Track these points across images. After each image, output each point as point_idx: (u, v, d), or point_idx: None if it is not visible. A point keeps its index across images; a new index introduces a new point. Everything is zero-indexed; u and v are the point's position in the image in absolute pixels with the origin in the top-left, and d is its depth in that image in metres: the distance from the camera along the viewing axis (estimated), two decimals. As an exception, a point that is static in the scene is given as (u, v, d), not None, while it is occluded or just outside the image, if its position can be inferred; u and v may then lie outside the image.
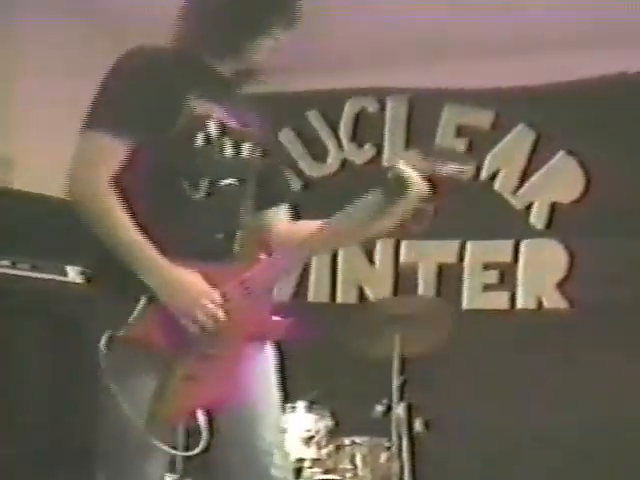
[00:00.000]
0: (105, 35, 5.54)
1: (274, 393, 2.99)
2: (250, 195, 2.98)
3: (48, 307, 4.40)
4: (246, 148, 2.92)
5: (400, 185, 2.90)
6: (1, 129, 5.04)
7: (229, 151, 2.88)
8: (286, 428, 3.28)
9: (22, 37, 5.26)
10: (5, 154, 4.99)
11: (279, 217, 3.08)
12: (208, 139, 2.83)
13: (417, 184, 2.91)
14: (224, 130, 2.87)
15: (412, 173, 2.90)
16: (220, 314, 2.73)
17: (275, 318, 2.86)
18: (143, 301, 2.72)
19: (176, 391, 2.77)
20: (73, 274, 4.58)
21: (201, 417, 2.80)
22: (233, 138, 2.89)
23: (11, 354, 4.27)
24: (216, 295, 2.74)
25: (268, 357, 2.98)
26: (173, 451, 2.84)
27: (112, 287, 2.83)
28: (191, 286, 2.74)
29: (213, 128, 2.84)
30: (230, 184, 2.88)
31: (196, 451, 2.80)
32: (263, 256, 2.85)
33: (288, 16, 2.91)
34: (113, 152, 2.76)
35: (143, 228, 2.72)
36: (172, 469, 4.41)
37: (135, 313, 2.72)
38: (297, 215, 3.24)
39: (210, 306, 2.72)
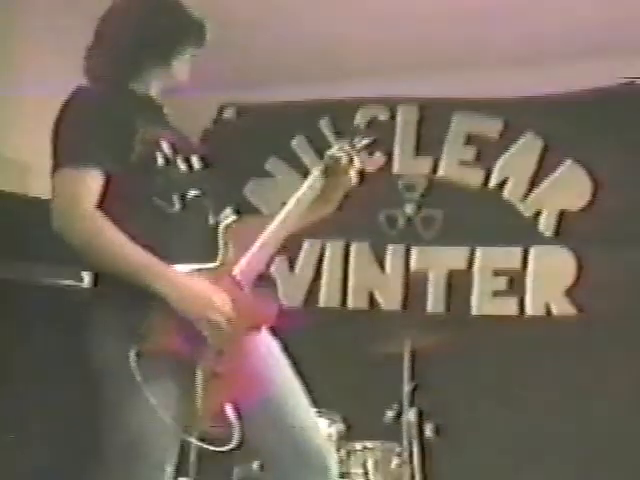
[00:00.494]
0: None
1: (290, 373, 3.11)
2: (212, 202, 3.10)
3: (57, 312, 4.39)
4: (195, 161, 3.09)
5: (336, 170, 3.19)
6: (17, 134, 5.07)
7: (183, 166, 3.03)
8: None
9: (33, 40, 5.30)
10: (21, 159, 5.01)
11: (231, 217, 3.18)
12: (166, 158, 2.98)
13: (349, 169, 3.21)
14: (174, 148, 3.02)
15: (344, 159, 3.21)
16: (231, 311, 2.84)
17: (267, 305, 3.02)
18: (155, 311, 2.79)
19: (205, 390, 2.85)
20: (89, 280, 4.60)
21: (230, 412, 2.88)
22: (182, 154, 3.04)
23: (19, 357, 4.28)
24: (224, 294, 2.85)
25: (271, 342, 3.10)
26: (212, 447, 2.89)
27: (117, 293, 2.89)
28: (201, 289, 2.84)
29: (166, 148, 2.99)
30: (196, 195, 3.01)
31: (232, 445, 2.87)
32: (241, 253, 3.00)
33: (197, 36, 3.14)
34: (88, 183, 2.86)
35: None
36: (184, 472, 4.41)
37: (148, 323, 2.79)
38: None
39: (221, 306, 2.83)
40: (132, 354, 2.76)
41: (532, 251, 5.65)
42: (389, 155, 6.05)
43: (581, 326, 5.41)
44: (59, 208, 2.86)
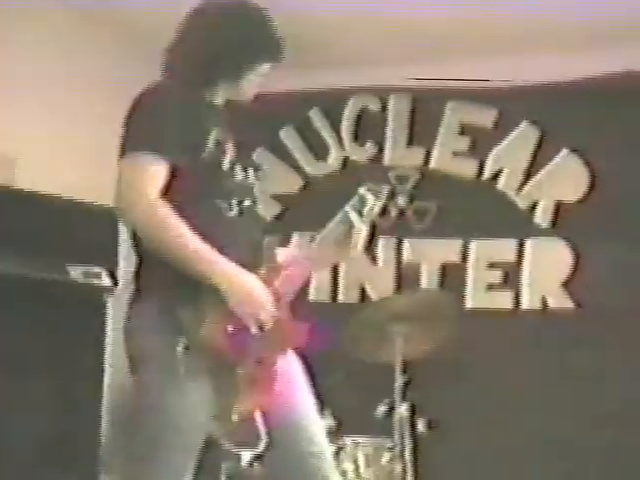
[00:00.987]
0: (103, 38, 5.56)
1: (311, 399, 3.18)
2: (263, 213, 3.25)
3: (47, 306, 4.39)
4: (251, 172, 3.17)
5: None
6: (2, 128, 4.97)
7: (240, 175, 3.12)
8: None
9: (20, 38, 5.20)
10: (6, 153, 4.92)
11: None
12: (232, 164, 3.07)
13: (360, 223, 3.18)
14: (238, 153, 3.10)
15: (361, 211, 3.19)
16: (274, 316, 2.97)
17: (299, 324, 3.11)
18: (205, 306, 2.90)
19: (241, 392, 2.94)
20: (75, 274, 4.57)
21: (259, 418, 2.99)
22: (241, 163, 3.12)
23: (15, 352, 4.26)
24: (272, 298, 2.97)
25: (297, 364, 3.17)
26: (241, 450, 3.11)
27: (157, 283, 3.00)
28: (255, 287, 2.94)
29: (231, 154, 3.07)
30: (249, 204, 3.11)
31: (259, 450, 3.00)
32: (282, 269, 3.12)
33: (274, 54, 3.16)
34: (158, 171, 2.92)
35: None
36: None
37: (197, 317, 2.89)
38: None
39: (272, 308, 2.96)
40: (180, 346, 2.86)
41: (528, 243, 5.61)
42: (380, 146, 5.99)
43: (578, 320, 5.39)
44: (123, 192, 2.93)
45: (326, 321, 3.24)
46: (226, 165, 3.06)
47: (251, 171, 3.17)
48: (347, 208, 3.15)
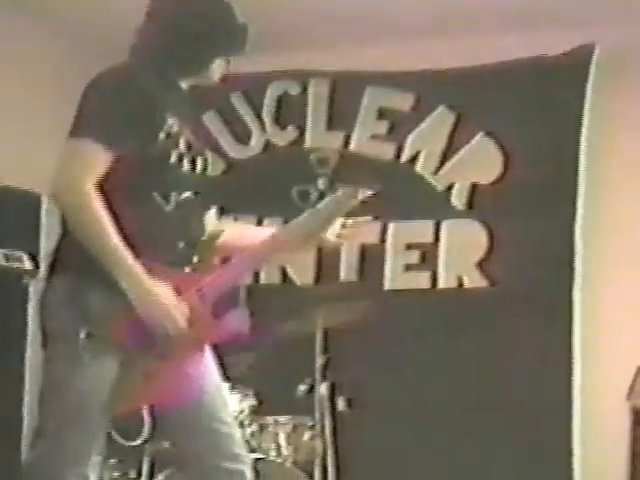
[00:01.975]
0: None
1: (219, 381, 3.20)
2: (202, 206, 3.17)
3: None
4: (199, 163, 3.12)
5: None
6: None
7: (186, 166, 3.06)
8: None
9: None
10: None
11: (212, 220, 3.26)
12: (180, 157, 3.02)
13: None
14: (189, 147, 3.06)
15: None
16: (185, 325, 2.91)
17: (221, 321, 3.04)
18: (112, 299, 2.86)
19: (136, 386, 2.94)
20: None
21: (146, 411, 3.09)
22: (192, 154, 3.07)
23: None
24: (183, 307, 2.92)
25: (210, 356, 3.15)
26: (121, 440, 3.32)
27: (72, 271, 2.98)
28: (163, 299, 2.88)
29: (183, 146, 3.03)
30: (188, 197, 3.05)
31: (139, 442, 3.36)
32: (218, 264, 3.15)
33: (240, 41, 3.14)
34: (98, 160, 2.86)
35: (119, 232, 2.85)
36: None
37: (103, 308, 2.87)
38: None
39: (178, 319, 2.89)
40: (82, 334, 2.85)
41: (444, 225, 5.64)
42: (301, 129, 5.98)
43: (492, 298, 5.44)
44: (59, 175, 2.89)
45: (246, 308, 3.24)
46: (174, 158, 3.02)
47: (199, 161, 3.13)
48: (322, 205, 3.12)
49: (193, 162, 3.09)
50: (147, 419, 3.10)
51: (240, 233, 3.39)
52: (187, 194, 3.05)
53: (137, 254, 2.87)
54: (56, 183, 2.88)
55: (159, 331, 2.90)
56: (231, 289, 3.11)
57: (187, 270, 3.04)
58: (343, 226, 3.33)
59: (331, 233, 3.28)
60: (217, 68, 3.14)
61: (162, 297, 2.90)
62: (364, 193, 3.24)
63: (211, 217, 3.27)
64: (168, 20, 3.12)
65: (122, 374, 2.93)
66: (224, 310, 3.06)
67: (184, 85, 3.15)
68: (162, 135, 2.97)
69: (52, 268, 3.08)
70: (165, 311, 2.90)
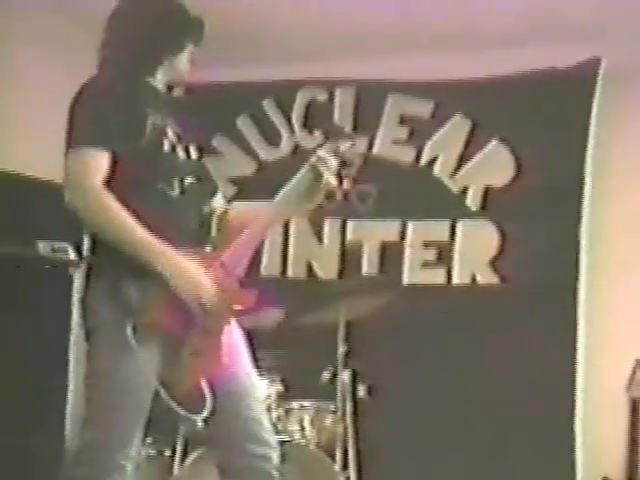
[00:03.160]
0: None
1: (250, 365, 3.27)
2: (207, 189, 3.24)
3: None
4: (192, 150, 3.21)
5: (318, 170, 3.20)
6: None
7: (182, 154, 3.16)
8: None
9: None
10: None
11: (219, 203, 3.31)
12: (172, 146, 3.10)
13: (329, 170, 3.24)
14: (179, 137, 3.14)
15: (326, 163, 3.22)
16: (215, 293, 2.97)
17: (247, 292, 3.09)
18: (151, 287, 2.93)
19: (187, 365, 2.99)
20: (43, 249, 4.56)
21: (205, 386, 3.05)
22: (183, 143, 3.17)
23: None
24: (210, 279, 2.97)
25: (238, 333, 3.23)
26: (189, 414, 3.09)
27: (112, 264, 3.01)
28: (195, 272, 2.96)
29: (171, 136, 3.11)
30: (191, 182, 3.13)
31: (204, 415, 3.07)
32: (230, 240, 3.12)
33: (197, 33, 3.24)
34: (98, 161, 2.94)
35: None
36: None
37: (144, 298, 2.93)
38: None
39: (209, 287, 2.96)
40: (129, 327, 2.90)
41: (459, 224, 5.67)
42: (327, 134, 5.95)
43: (503, 294, 5.47)
44: (70, 183, 2.95)
45: (274, 291, 3.27)
46: (167, 147, 3.08)
47: (192, 150, 3.19)
48: (311, 163, 3.19)
49: (187, 150, 3.18)
50: (208, 393, 3.07)
51: (244, 210, 3.38)
52: (190, 180, 3.13)
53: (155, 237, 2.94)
54: (68, 191, 2.93)
55: (194, 305, 2.94)
56: (248, 259, 3.16)
57: (205, 249, 3.10)
58: (342, 166, 3.31)
59: (330, 175, 3.24)
60: (181, 61, 3.21)
61: (193, 270, 2.95)
62: (344, 144, 3.31)
63: (218, 200, 3.31)
64: (122, 26, 3.20)
65: (171, 357, 2.97)
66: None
67: (157, 83, 3.21)
68: (147, 128, 3.02)
69: (89, 269, 3.14)
70: (197, 282, 2.95)
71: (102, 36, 3.22)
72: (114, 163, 2.96)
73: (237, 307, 3.10)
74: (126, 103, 3.02)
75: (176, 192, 3.08)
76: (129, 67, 3.14)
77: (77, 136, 3.00)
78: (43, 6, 5.22)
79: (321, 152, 3.22)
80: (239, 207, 3.40)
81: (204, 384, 3.08)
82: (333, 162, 3.24)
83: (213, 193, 3.30)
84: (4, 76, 5.06)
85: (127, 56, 3.16)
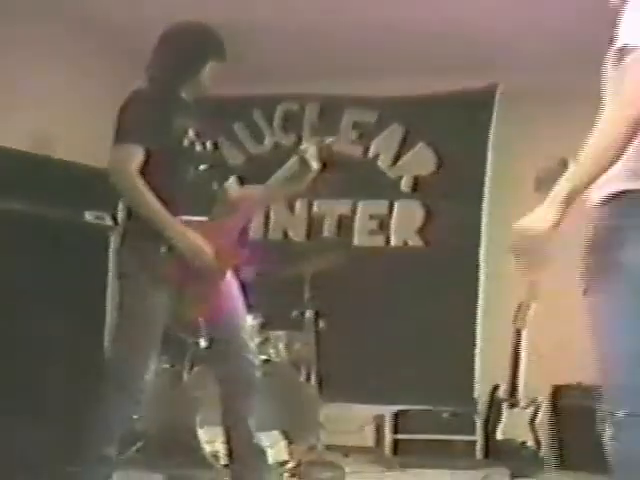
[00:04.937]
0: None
1: (243, 307, 3.30)
2: (217, 174, 3.26)
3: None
4: (208, 145, 3.20)
5: (306, 162, 3.20)
6: (45, 117, 4.78)
7: (198, 147, 3.14)
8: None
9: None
10: (48, 132, 4.74)
11: (232, 186, 3.37)
12: (191, 142, 3.11)
13: (315, 163, 3.23)
14: (198, 135, 3.13)
15: (313, 154, 3.21)
16: (212, 256, 2.99)
17: (238, 251, 3.15)
18: (163, 249, 2.96)
19: (190, 306, 3.04)
20: (88, 216, 4.50)
21: (202, 322, 3.17)
22: (202, 140, 3.16)
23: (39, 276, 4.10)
24: (210, 245, 2.99)
25: (234, 282, 3.24)
26: (190, 338, 3.39)
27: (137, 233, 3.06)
28: (197, 240, 2.97)
29: (191, 135, 3.11)
30: (205, 169, 3.14)
31: (203, 339, 3.24)
32: (230, 212, 3.16)
33: (220, 56, 3.20)
34: (135, 154, 2.97)
35: (160, 198, 2.96)
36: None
37: (160, 255, 2.95)
38: (242, 180, 3.58)
39: (208, 252, 2.98)
40: (145, 274, 2.96)
41: (396, 203, 5.68)
42: (299, 136, 5.97)
43: (427, 254, 5.53)
44: (113, 169, 2.97)
45: (259, 250, 3.29)
46: (186, 143, 3.08)
47: (209, 145, 3.19)
48: (299, 152, 3.19)
49: (204, 145, 3.17)
50: (203, 326, 3.16)
51: (242, 192, 3.41)
52: (203, 167, 3.13)
53: (174, 212, 2.97)
54: (111, 175, 2.97)
55: (198, 264, 2.98)
56: (242, 229, 3.21)
57: (208, 219, 3.11)
58: (320, 150, 3.28)
59: (311, 156, 3.22)
60: (206, 77, 3.17)
61: (196, 239, 2.97)
62: (329, 139, 3.35)
63: (231, 183, 3.36)
64: (160, 50, 3.19)
65: (178, 300, 3.01)
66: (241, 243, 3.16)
67: (185, 94, 3.18)
68: (174, 130, 3.05)
69: (124, 232, 3.18)
70: (199, 248, 2.97)
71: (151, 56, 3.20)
72: (147, 156, 2.97)
73: (232, 262, 3.12)
74: (159, 111, 3.02)
75: (191, 176, 3.08)
76: (164, 83, 3.12)
77: (121, 134, 3.01)
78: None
79: (309, 145, 3.22)
80: (237, 188, 3.43)
81: (202, 319, 3.15)
82: (317, 153, 3.23)
83: (223, 176, 3.32)
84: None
85: (163, 73, 3.13)
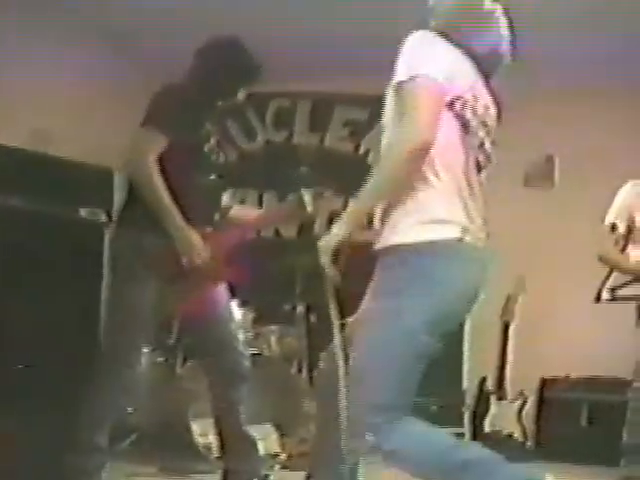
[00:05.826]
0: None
1: (232, 305, 3.38)
2: (222, 187, 3.27)
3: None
4: (221, 155, 3.22)
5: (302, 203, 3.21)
6: (44, 116, 4.78)
7: (214, 156, 3.15)
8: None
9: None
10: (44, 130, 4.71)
11: (226, 198, 3.35)
12: (211, 149, 3.11)
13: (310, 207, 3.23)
14: (218, 143, 3.16)
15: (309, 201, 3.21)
16: (207, 259, 2.97)
17: (234, 264, 3.14)
18: (158, 241, 2.94)
19: (174, 299, 3.07)
20: (83, 212, 4.50)
21: (179, 316, 3.21)
22: (218, 149, 3.17)
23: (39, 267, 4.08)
24: (207, 249, 2.97)
25: (225, 289, 3.26)
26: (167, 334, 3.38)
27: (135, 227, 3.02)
28: (195, 241, 2.96)
29: (212, 142, 3.12)
30: (214, 179, 3.14)
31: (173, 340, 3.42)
32: (229, 227, 3.20)
33: (256, 76, 3.25)
34: (158, 142, 2.92)
35: (171, 194, 2.93)
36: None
37: (158, 249, 2.94)
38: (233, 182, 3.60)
39: (203, 254, 2.96)
40: (136, 266, 2.95)
41: None
42: (291, 131, 6.02)
43: None
44: (132, 149, 2.95)
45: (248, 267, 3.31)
46: (207, 148, 3.08)
47: (222, 156, 3.22)
48: (299, 195, 3.20)
49: (218, 155, 3.18)
50: (176, 324, 3.32)
51: (242, 211, 3.45)
52: (213, 176, 3.13)
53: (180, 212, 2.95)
54: (130, 157, 2.95)
55: (190, 264, 2.96)
56: (238, 245, 3.19)
57: (209, 229, 3.11)
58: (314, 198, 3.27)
59: (308, 203, 3.24)
60: (242, 94, 3.22)
61: (192, 238, 2.96)
62: (327, 192, 3.51)
63: (226, 196, 3.34)
64: (216, 57, 3.14)
65: (164, 295, 3.02)
66: (234, 259, 3.15)
67: (220, 104, 3.18)
68: (201, 133, 3.05)
69: (119, 223, 3.17)
70: (196, 248, 2.96)
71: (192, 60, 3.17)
72: (169, 147, 2.93)
73: (220, 276, 3.14)
74: (194, 110, 3.01)
75: (200, 182, 3.06)
76: (208, 88, 3.10)
77: (149, 118, 2.96)
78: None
79: (306, 194, 3.21)
80: (239, 208, 3.46)
81: (180, 315, 3.23)
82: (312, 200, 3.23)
83: (224, 190, 3.32)
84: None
85: (207, 81, 3.11)
